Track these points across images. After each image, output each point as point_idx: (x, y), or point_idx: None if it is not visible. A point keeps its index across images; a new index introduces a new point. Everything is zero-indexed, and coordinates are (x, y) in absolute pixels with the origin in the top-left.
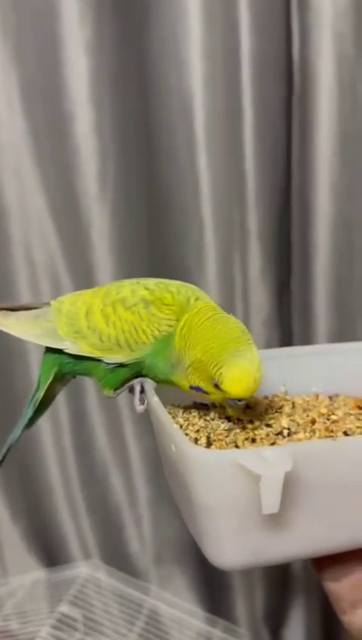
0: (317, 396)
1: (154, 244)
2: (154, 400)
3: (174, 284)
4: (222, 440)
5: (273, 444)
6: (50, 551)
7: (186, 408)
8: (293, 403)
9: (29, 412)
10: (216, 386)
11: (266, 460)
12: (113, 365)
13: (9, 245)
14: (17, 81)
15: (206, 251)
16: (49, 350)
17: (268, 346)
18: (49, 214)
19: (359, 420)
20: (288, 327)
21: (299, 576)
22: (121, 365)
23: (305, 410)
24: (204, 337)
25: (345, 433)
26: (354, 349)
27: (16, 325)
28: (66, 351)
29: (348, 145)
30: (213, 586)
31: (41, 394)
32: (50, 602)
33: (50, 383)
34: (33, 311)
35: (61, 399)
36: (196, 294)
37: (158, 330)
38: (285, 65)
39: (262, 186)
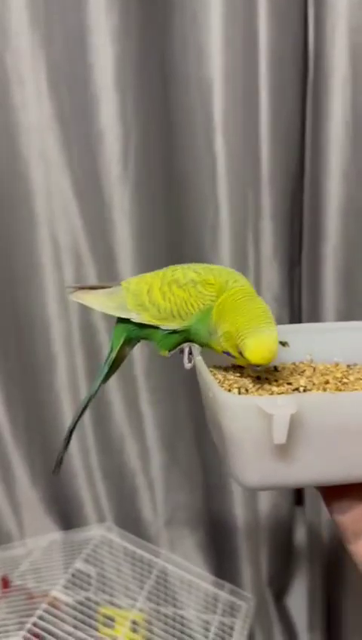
0: (337, 364)
1: (172, 224)
2: (198, 359)
3: (217, 268)
4: (250, 392)
5: None
6: (66, 514)
7: (226, 369)
8: (315, 368)
9: (105, 369)
10: (240, 353)
11: (277, 404)
12: (168, 331)
13: (35, 225)
14: (45, 67)
15: (220, 230)
16: (120, 320)
17: (278, 321)
18: (73, 195)
19: None
20: (298, 304)
21: (302, 543)
22: (174, 332)
23: (323, 375)
24: (233, 314)
25: (355, 390)
26: None
27: (95, 301)
28: (133, 320)
29: (359, 132)
30: (220, 551)
31: (114, 355)
32: (64, 561)
33: (121, 346)
34: (107, 289)
35: (81, 372)
36: (234, 277)
37: (203, 304)
38: (301, 55)
39: (276, 170)
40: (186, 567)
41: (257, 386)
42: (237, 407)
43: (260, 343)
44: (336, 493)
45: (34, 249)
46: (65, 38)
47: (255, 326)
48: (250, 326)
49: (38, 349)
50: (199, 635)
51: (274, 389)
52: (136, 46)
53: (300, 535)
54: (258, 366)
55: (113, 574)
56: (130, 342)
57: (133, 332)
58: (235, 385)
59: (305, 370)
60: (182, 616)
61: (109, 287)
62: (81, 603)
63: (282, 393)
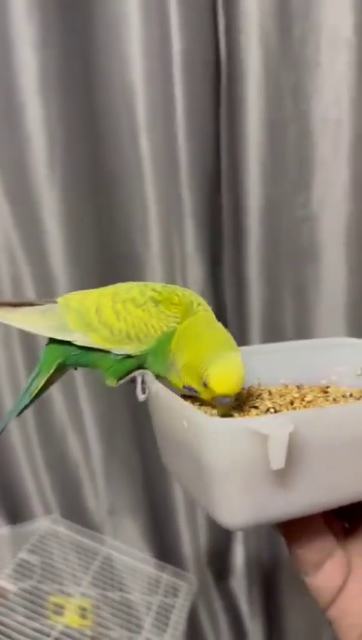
0: (286, 386)
1: (103, 223)
2: (159, 386)
3: (179, 288)
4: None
5: None
6: (12, 508)
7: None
8: (269, 391)
9: (25, 400)
10: (205, 384)
11: (272, 424)
12: (121, 356)
13: None
14: None
15: (150, 228)
16: (53, 343)
17: None
18: (4, 198)
19: (328, 400)
20: (222, 298)
21: None
22: (128, 357)
23: (281, 396)
24: (195, 342)
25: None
26: (314, 344)
27: (25, 320)
28: (76, 343)
29: (273, 132)
30: (162, 535)
31: (41, 382)
32: (12, 553)
33: (52, 373)
34: (38, 307)
35: (21, 366)
36: (199, 300)
37: (166, 326)
38: (212, 60)
39: (194, 171)
40: (130, 553)
41: (223, 414)
42: (224, 433)
43: (226, 370)
44: (296, 527)
45: None
46: None
47: (219, 353)
48: (213, 354)
49: None
50: (143, 616)
51: (243, 414)
52: (58, 53)
53: None
54: (225, 397)
55: (60, 564)
56: (63, 368)
57: (72, 357)
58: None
59: (261, 394)
60: (128, 600)
61: (38, 304)
62: (27, 591)
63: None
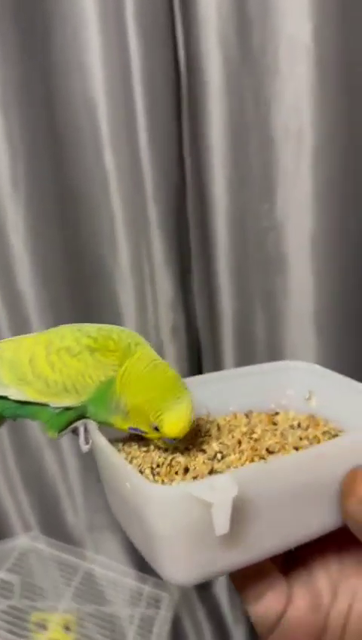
0: (235, 415)
1: (69, 238)
2: (102, 441)
3: (115, 331)
4: (164, 469)
5: (211, 470)
6: None
7: (125, 441)
8: (218, 425)
9: None
10: (156, 429)
11: (215, 489)
12: (59, 409)
13: None
14: None
15: (118, 241)
16: None
17: (175, 327)
18: None
19: (275, 435)
20: (193, 309)
21: None
22: (68, 408)
23: (229, 432)
24: (143, 385)
25: (267, 450)
26: (262, 370)
27: None
28: (11, 397)
29: (237, 140)
30: None
31: None
32: None
33: None
34: None
35: None
36: (136, 340)
37: (104, 376)
38: (172, 69)
39: (159, 183)
40: (111, 566)
41: (169, 458)
42: (167, 499)
43: (178, 416)
44: (252, 594)
45: None
46: None
47: (170, 398)
48: (165, 399)
49: None
50: (126, 628)
51: (190, 460)
52: (18, 68)
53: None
54: (174, 439)
55: (41, 580)
56: (1, 420)
57: (7, 410)
58: (145, 464)
59: (209, 429)
60: (110, 614)
61: None
62: (7, 612)
63: (202, 465)
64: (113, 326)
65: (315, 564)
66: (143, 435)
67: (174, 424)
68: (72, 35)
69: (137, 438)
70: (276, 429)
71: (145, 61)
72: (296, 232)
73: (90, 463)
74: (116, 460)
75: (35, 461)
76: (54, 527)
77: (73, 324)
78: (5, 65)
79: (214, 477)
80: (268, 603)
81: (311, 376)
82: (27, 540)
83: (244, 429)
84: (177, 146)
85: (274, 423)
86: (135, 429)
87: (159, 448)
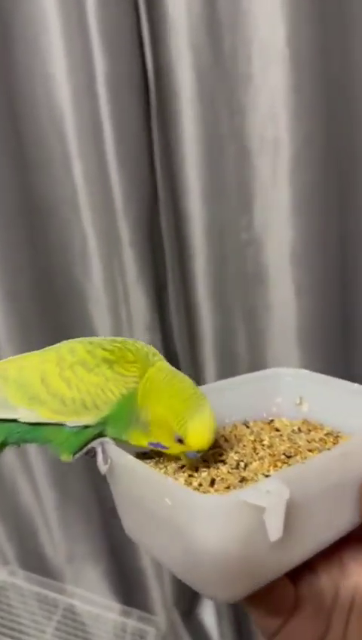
0: (235, 425)
1: (39, 256)
2: (129, 458)
3: (128, 342)
4: (192, 484)
5: (242, 478)
6: None
7: (137, 457)
8: (223, 436)
9: None
10: (180, 440)
11: (268, 493)
12: (78, 428)
13: None
14: None
15: (89, 258)
16: None
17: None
18: None
19: (284, 441)
20: (169, 328)
21: None
22: (86, 426)
23: (238, 441)
24: (163, 396)
25: (285, 454)
26: (248, 380)
27: None
28: (22, 420)
29: (211, 150)
30: (125, 578)
31: None
32: None
33: None
34: None
35: None
36: (151, 350)
37: (126, 389)
38: (139, 78)
39: (128, 196)
40: (93, 600)
41: (189, 472)
42: (217, 509)
43: (203, 425)
44: (258, 598)
45: None
46: None
47: (193, 407)
48: (188, 408)
49: None
50: None
51: (214, 473)
52: None
53: None
54: (198, 452)
55: (20, 618)
56: (3, 447)
57: (15, 435)
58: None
59: (216, 441)
60: None
61: None
62: None
63: (228, 475)
64: (121, 338)
65: (319, 564)
66: (164, 450)
67: (200, 434)
68: (33, 42)
69: (149, 455)
70: (281, 435)
71: (110, 68)
72: (276, 244)
73: (67, 492)
74: (151, 475)
75: (9, 494)
76: (32, 560)
77: (79, 338)
78: None
79: (263, 482)
80: (274, 606)
81: (300, 381)
82: (5, 575)
83: (252, 438)
84: (148, 157)
85: (277, 429)
86: (156, 444)
87: (176, 462)
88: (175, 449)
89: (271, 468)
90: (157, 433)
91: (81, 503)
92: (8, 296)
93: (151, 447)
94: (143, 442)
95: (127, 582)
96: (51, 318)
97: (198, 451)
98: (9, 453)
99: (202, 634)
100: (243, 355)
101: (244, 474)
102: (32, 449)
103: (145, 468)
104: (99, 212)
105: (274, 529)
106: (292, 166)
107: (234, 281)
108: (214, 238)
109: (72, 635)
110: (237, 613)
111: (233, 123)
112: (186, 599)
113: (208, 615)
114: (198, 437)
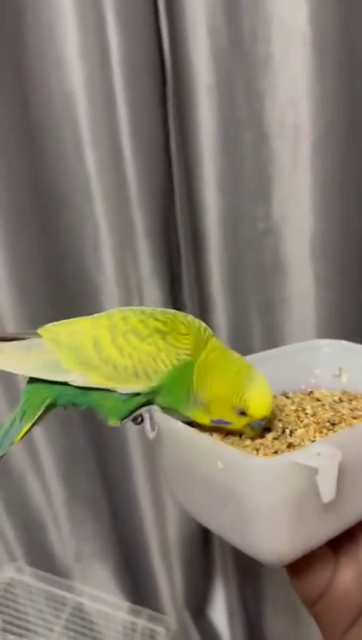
0: (275, 396)
1: (49, 248)
2: (178, 424)
3: (179, 314)
4: (243, 448)
5: (289, 444)
6: None
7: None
8: None
9: (4, 446)
10: (242, 413)
11: (320, 455)
12: (128, 395)
13: None
14: None
15: (102, 251)
16: (38, 382)
17: None
18: None
19: (326, 410)
20: None
21: (218, 558)
22: (136, 394)
23: (281, 411)
24: (220, 373)
25: (329, 422)
26: (287, 351)
27: (5, 360)
28: (74, 384)
29: (229, 137)
30: (135, 576)
31: (25, 428)
32: None
33: (38, 416)
34: (18, 342)
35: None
36: (202, 324)
37: (177, 360)
38: (157, 62)
39: (143, 186)
40: (102, 599)
41: (235, 442)
42: (270, 471)
43: (261, 392)
44: (300, 566)
45: None
46: None
47: (248, 378)
48: (242, 379)
49: None
50: None
51: (259, 442)
52: None
53: (212, 547)
54: (262, 420)
55: (28, 615)
56: (51, 409)
57: (65, 397)
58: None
59: None
60: None
61: (14, 338)
62: None
63: (275, 442)
64: (172, 310)
65: (360, 534)
66: (228, 427)
67: (260, 402)
68: (46, 26)
69: (192, 426)
70: (323, 405)
71: (126, 54)
72: (295, 235)
73: (76, 489)
74: (202, 439)
75: (18, 490)
76: (41, 557)
77: (129, 307)
78: None
79: (314, 445)
80: (315, 574)
81: (339, 352)
82: (12, 571)
83: (294, 407)
84: (163, 144)
85: (318, 399)
86: (218, 421)
87: (219, 434)
88: (238, 423)
89: (317, 434)
90: (218, 411)
91: (90, 500)
92: (18, 286)
93: (215, 425)
94: (206, 420)
95: (136, 581)
96: (61, 309)
97: (262, 419)
98: (18, 449)
99: (213, 634)
100: (259, 350)
101: (291, 440)
102: (41, 445)
103: (196, 433)
104: (113, 202)
105: (327, 491)
106: (314, 153)
107: (251, 273)
108: (230, 229)
109: (80, 634)
110: (249, 613)
111: (251, 109)
112: (197, 599)
113: (219, 615)
114: (259, 405)
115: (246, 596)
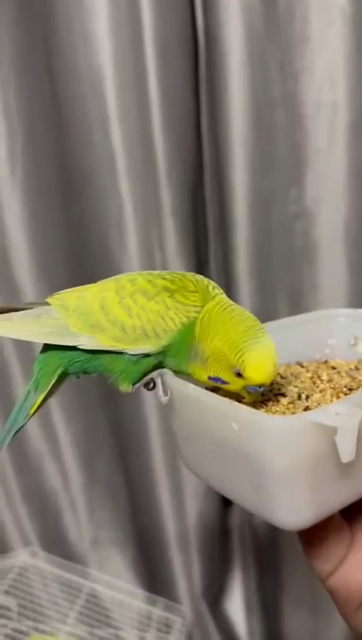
0: (289, 365)
1: (72, 225)
2: (190, 386)
3: (188, 274)
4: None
5: (305, 408)
6: None
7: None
8: (279, 374)
9: (19, 420)
10: (239, 374)
11: (339, 415)
12: (137, 356)
13: None
14: None
15: (126, 228)
16: (50, 350)
17: None
18: None
19: (342, 377)
20: None
21: (237, 550)
22: (146, 355)
23: (296, 378)
24: (222, 327)
25: (346, 387)
26: (301, 320)
27: (14, 328)
28: (83, 347)
29: (260, 118)
30: (151, 565)
31: (39, 399)
32: None
33: (52, 386)
34: (28, 311)
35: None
36: (211, 282)
37: (186, 317)
38: (190, 39)
39: (173, 163)
40: (117, 587)
41: (255, 405)
42: (288, 430)
43: (262, 357)
44: (316, 537)
45: None
46: None
47: (251, 338)
48: (245, 339)
49: None
50: None
51: (273, 406)
52: (15, 37)
53: (231, 539)
54: (260, 386)
55: (42, 600)
56: (64, 378)
57: (76, 364)
58: None
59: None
60: (117, 636)
61: (24, 308)
62: (7, 635)
63: (289, 405)
64: (181, 271)
65: None
66: (224, 386)
67: (258, 366)
68: (76, 1)
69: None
70: (339, 372)
71: (158, 29)
72: (329, 220)
73: (94, 474)
74: (216, 401)
75: (35, 474)
76: (55, 542)
77: (137, 271)
78: (1, 36)
79: (332, 405)
80: (330, 547)
81: (355, 321)
82: (26, 556)
83: (309, 375)
84: (194, 122)
85: (334, 367)
86: (215, 379)
87: (233, 397)
88: (235, 384)
89: (335, 399)
90: (216, 367)
91: (108, 486)
92: (40, 266)
93: (212, 382)
94: (203, 376)
95: (153, 569)
96: None
97: (260, 385)
98: (36, 432)
99: (229, 625)
100: None
101: (307, 403)
102: (60, 429)
103: (209, 394)
104: (139, 179)
105: (347, 450)
106: (351, 133)
107: (280, 258)
108: (259, 211)
109: (95, 621)
110: (266, 606)
111: (285, 88)
112: (214, 590)
113: (236, 606)
114: (257, 369)
115: (264, 589)
